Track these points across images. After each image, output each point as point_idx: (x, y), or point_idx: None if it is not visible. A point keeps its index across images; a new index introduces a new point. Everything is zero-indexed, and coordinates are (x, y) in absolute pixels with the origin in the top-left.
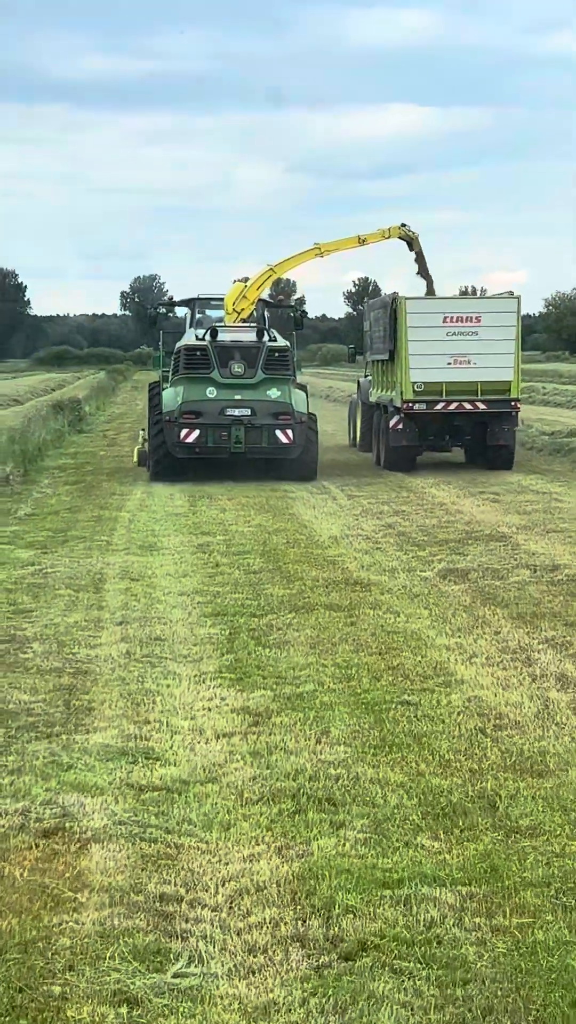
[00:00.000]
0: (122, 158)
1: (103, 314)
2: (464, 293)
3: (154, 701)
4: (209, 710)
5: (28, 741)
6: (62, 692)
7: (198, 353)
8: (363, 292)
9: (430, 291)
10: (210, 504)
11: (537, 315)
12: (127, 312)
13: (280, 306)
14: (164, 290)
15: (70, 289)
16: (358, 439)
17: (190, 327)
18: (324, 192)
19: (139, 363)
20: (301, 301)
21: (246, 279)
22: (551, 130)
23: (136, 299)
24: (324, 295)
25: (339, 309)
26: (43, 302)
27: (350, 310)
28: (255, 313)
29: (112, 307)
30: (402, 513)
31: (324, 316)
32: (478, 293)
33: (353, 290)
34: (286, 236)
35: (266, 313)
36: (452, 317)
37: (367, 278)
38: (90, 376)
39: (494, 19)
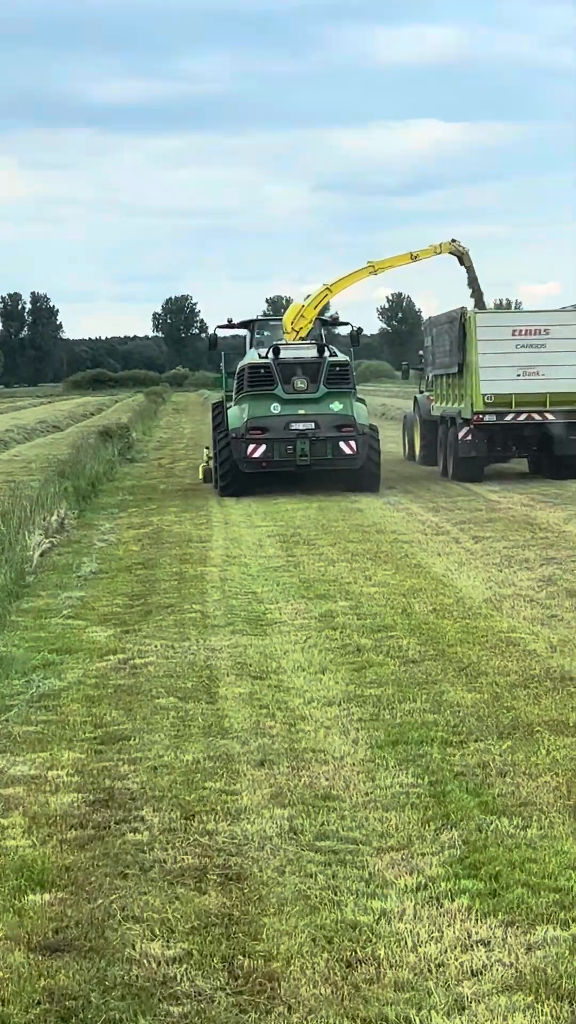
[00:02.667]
0: (150, 181)
1: (134, 336)
2: (499, 306)
3: (369, 956)
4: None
5: None
6: (214, 935)
7: (262, 371)
8: (397, 308)
9: (480, 304)
10: (310, 552)
11: None
12: (159, 334)
13: (336, 324)
14: (196, 311)
15: (101, 312)
16: (417, 453)
17: (250, 347)
18: (351, 209)
19: (175, 384)
20: (335, 319)
21: (306, 297)
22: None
23: (168, 320)
24: (356, 312)
25: (372, 325)
26: (75, 326)
27: (384, 326)
28: (313, 331)
29: (144, 329)
30: (552, 560)
31: (360, 330)
32: (512, 306)
33: (387, 306)
34: (315, 254)
35: (323, 332)
36: (521, 330)
37: (400, 294)
38: (127, 399)
39: (519, 31)
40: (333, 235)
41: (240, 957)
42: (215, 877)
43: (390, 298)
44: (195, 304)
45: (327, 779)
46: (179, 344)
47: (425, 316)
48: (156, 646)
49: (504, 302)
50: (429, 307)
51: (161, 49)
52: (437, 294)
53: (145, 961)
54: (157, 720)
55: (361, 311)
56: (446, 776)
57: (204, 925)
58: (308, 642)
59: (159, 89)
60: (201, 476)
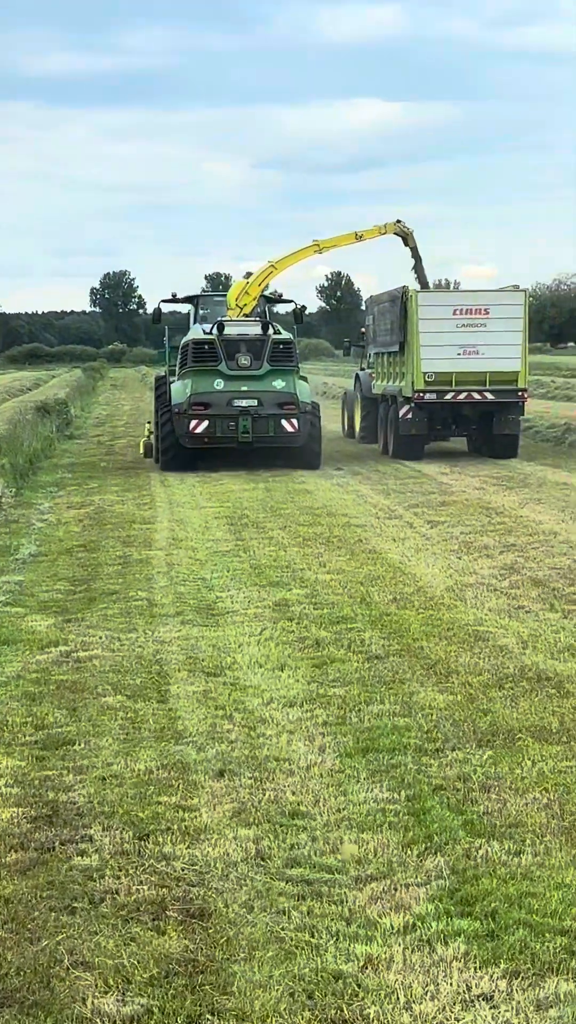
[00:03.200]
0: (90, 155)
1: (72, 311)
2: (439, 286)
3: (357, 1016)
4: None
5: None
6: (177, 987)
7: (206, 347)
8: (336, 286)
9: (424, 284)
10: (259, 535)
11: None
12: (97, 309)
13: (280, 301)
14: (135, 286)
15: (38, 286)
16: (357, 430)
17: (194, 322)
18: (291, 187)
19: (113, 360)
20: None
21: (249, 275)
22: (519, 124)
23: (106, 295)
24: (296, 291)
25: (311, 303)
26: (11, 300)
27: (323, 304)
28: (257, 308)
29: (82, 304)
30: (512, 547)
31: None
32: (451, 286)
33: (326, 284)
34: (254, 231)
35: (267, 309)
36: (461, 310)
37: (340, 272)
38: (64, 374)
39: (460, 12)
40: (273, 212)
41: (209, 1016)
42: (175, 914)
43: (329, 277)
44: (133, 279)
45: (294, 793)
46: (117, 319)
47: (365, 295)
48: (101, 637)
49: (444, 282)
50: (368, 286)
51: (104, 23)
52: (376, 273)
53: (98, 1020)
54: (104, 722)
55: (301, 289)
56: (424, 790)
57: (165, 974)
58: (264, 634)
59: (102, 63)
60: (142, 451)
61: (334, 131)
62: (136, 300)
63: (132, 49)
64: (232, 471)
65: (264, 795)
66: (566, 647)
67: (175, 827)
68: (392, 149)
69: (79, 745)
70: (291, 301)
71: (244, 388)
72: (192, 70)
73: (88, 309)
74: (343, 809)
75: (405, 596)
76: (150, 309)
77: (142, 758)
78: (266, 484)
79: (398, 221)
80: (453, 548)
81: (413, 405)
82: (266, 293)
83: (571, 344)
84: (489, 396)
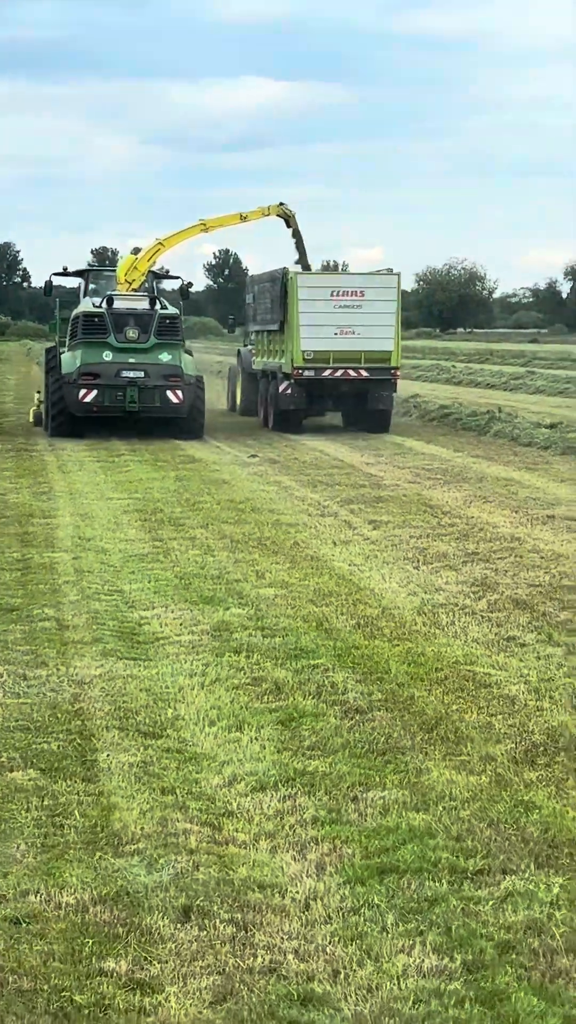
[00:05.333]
0: None
1: None
2: (327, 267)
3: None
4: None
5: None
6: None
7: (95, 319)
8: (224, 264)
9: (305, 266)
10: (179, 535)
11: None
12: None
13: (167, 277)
14: (19, 259)
15: None
16: (239, 404)
17: (84, 296)
18: (180, 164)
19: None
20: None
21: (137, 251)
22: (409, 110)
23: None
24: (180, 267)
25: (198, 281)
26: None
27: (211, 282)
28: (146, 283)
29: None
30: (475, 556)
31: (190, 284)
32: (339, 268)
33: (214, 262)
34: (141, 207)
35: (155, 284)
36: (338, 291)
37: (227, 250)
38: None
39: None
40: (160, 189)
41: None
42: None
43: (217, 255)
44: (18, 252)
45: (297, 955)
46: (0, 292)
47: (251, 273)
48: (1, 675)
49: (332, 264)
50: (255, 264)
51: None
52: (263, 252)
53: None
54: (12, 814)
55: (189, 267)
56: (486, 951)
57: None
58: (207, 673)
59: None
60: (32, 419)
61: (224, 109)
62: (21, 273)
63: (19, 20)
64: (128, 444)
65: (256, 959)
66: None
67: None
68: (281, 130)
69: None
70: (178, 278)
71: (132, 360)
72: (81, 43)
73: None
74: (376, 989)
75: (370, 620)
76: (35, 283)
77: (70, 883)
78: (177, 472)
79: (281, 204)
80: (407, 556)
81: (292, 381)
82: (154, 269)
83: (460, 330)
84: (364, 374)
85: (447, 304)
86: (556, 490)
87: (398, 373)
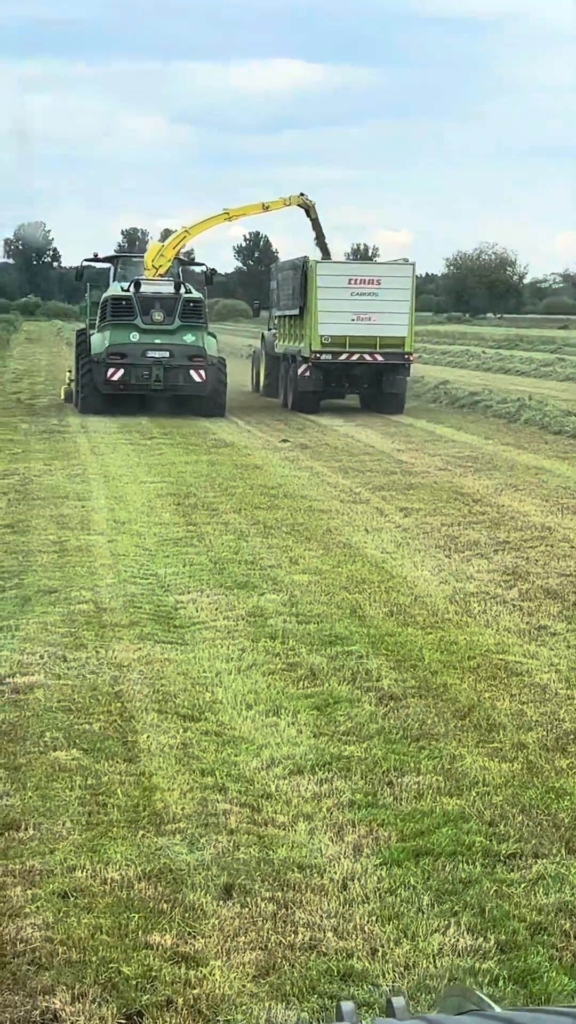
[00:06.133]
0: (4, 104)
1: None
2: (356, 251)
3: None
4: None
5: None
6: None
7: (123, 303)
8: (254, 247)
9: (325, 254)
10: (212, 520)
11: (431, 275)
12: (10, 260)
13: (192, 264)
14: (50, 238)
15: None
16: (262, 385)
17: (114, 280)
18: (209, 145)
19: (26, 313)
20: (190, 255)
21: (168, 233)
22: (439, 91)
23: (20, 246)
24: (211, 249)
25: (227, 264)
26: None
27: (240, 265)
28: (171, 269)
29: None
30: (506, 545)
31: (214, 271)
32: (370, 252)
33: (244, 245)
34: (171, 187)
35: (180, 270)
36: (356, 279)
37: (258, 233)
38: None
39: None
40: (190, 169)
41: None
42: None
43: (247, 237)
44: (49, 231)
45: (336, 933)
46: (31, 272)
47: (281, 257)
48: (41, 656)
49: (361, 247)
50: (284, 247)
51: None
52: (294, 235)
53: None
54: (57, 792)
55: (218, 249)
56: (519, 932)
57: None
58: (243, 658)
59: (18, 12)
60: (63, 396)
61: (253, 90)
62: (51, 253)
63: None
64: (160, 427)
65: (296, 936)
66: None
67: (178, 1002)
68: (311, 112)
69: (26, 831)
70: (202, 264)
71: (157, 341)
72: (111, 23)
73: (2, 260)
74: (414, 965)
75: (403, 608)
76: (66, 263)
77: (114, 860)
78: (209, 457)
79: (302, 194)
80: (438, 544)
81: (310, 364)
82: (180, 256)
83: (489, 315)
84: (379, 358)
85: (477, 289)
86: None
87: (412, 358)
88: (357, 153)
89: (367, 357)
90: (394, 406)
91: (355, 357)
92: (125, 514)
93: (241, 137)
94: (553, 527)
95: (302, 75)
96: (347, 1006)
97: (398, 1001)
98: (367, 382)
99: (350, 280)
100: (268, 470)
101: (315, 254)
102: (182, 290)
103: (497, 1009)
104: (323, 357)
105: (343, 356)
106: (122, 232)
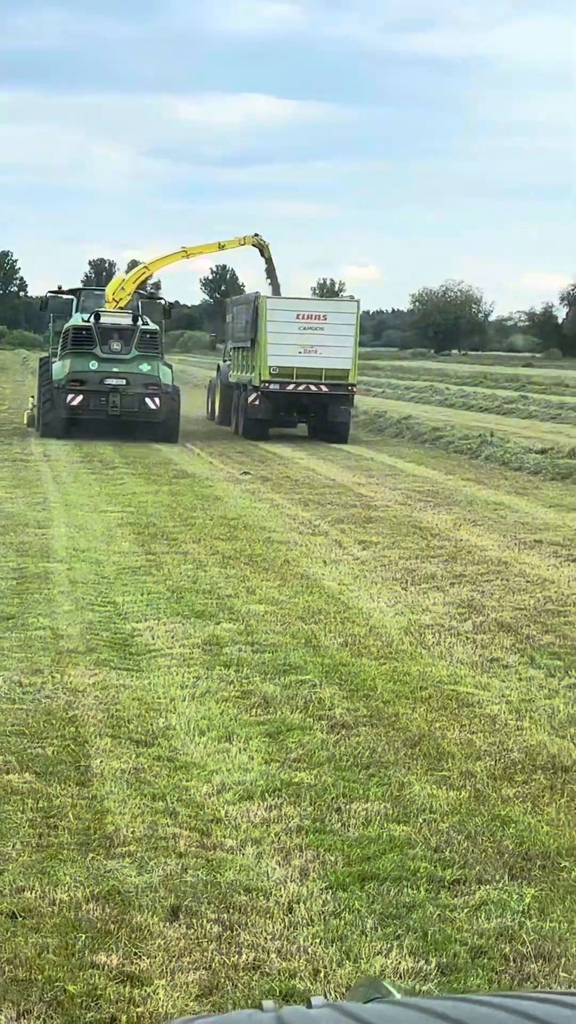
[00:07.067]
0: None
1: None
2: (323, 286)
3: None
4: None
5: None
6: None
7: (83, 332)
8: (220, 280)
9: (276, 290)
10: (171, 549)
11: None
12: None
13: (152, 298)
14: (17, 267)
15: None
16: (216, 413)
17: (76, 312)
18: (179, 177)
19: None
20: (157, 286)
21: (134, 264)
22: (408, 130)
23: None
24: (178, 281)
25: (194, 296)
26: None
27: (207, 297)
28: (131, 302)
29: None
30: (462, 578)
31: (177, 302)
32: (336, 287)
33: (211, 277)
34: (139, 219)
35: (140, 303)
36: (303, 315)
37: (224, 266)
38: None
39: (358, 15)
40: (159, 202)
41: None
42: None
43: (214, 270)
44: (15, 261)
45: (280, 954)
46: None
47: (249, 290)
48: None
49: (328, 281)
50: (251, 281)
51: None
52: (259, 269)
53: None
54: (8, 814)
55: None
56: (460, 955)
57: None
58: (198, 685)
59: None
60: (25, 421)
61: (224, 124)
62: (18, 282)
63: (22, 30)
64: (122, 457)
65: (240, 956)
66: (568, 719)
67: (122, 1018)
68: (281, 147)
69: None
70: (162, 298)
71: (115, 369)
72: (84, 54)
73: None
74: (354, 983)
75: (357, 639)
76: (32, 292)
77: (64, 881)
78: (170, 487)
79: (256, 234)
80: (396, 576)
81: (259, 393)
82: (143, 290)
83: (455, 351)
84: (324, 388)
85: (442, 326)
86: (544, 515)
87: (354, 389)
88: (326, 189)
89: (312, 387)
90: (339, 435)
91: (301, 387)
92: (85, 542)
93: (211, 170)
94: (510, 561)
95: (273, 110)
96: (267, 1004)
97: (317, 1000)
98: (314, 411)
99: (298, 315)
100: (228, 501)
101: (268, 290)
102: (139, 322)
103: (398, 995)
104: (271, 387)
105: (290, 386)
106: (90, 262)
